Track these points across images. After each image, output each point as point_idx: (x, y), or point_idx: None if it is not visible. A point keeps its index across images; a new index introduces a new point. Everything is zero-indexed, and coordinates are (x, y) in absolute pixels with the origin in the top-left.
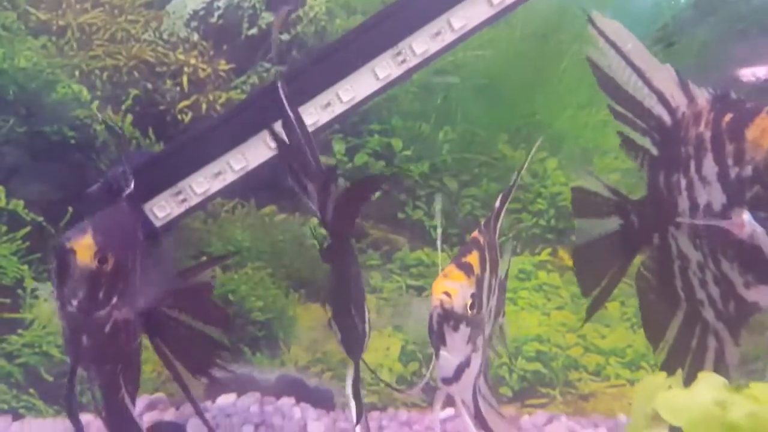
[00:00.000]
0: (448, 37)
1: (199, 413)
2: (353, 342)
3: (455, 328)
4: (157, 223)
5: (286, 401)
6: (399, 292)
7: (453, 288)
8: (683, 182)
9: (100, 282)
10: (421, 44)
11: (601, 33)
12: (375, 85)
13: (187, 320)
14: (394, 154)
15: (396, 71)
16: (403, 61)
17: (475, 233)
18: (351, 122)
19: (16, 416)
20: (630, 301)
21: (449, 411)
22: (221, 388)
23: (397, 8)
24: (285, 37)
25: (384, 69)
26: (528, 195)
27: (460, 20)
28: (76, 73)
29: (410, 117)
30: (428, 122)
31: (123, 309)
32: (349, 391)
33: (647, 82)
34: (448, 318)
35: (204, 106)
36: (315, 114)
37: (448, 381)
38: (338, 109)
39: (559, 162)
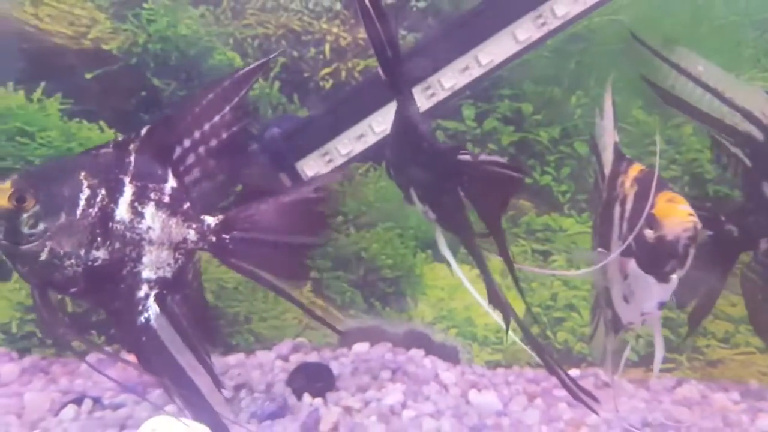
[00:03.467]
0: (590, 0)
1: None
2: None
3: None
4: None
5: (416, 352)
6: (524, 256)
7: (691, 210)
8: None
9: (19, 219)
10: (563, 6)
11: (661, 56)
12: (514, 48)
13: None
14: (524, 118)
15: (536, 34)
16: (543, 24)
17: None
18: (482, 87)
19: None
20: None
21: (574, 371)
22: (355, 337)
23: None
24: (421, 4)
25: (524, 32)
26: (662, 161)
27: None
28: (230, 40)
29: (542, 82)
30: (561, 87)
31: (63, 240)
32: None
33: (727, 101)
34: (694, 238)
35: (344, 74)
36: (452, 78)
37: (682, 305)
38: (476, 72)
39: (695, 128)
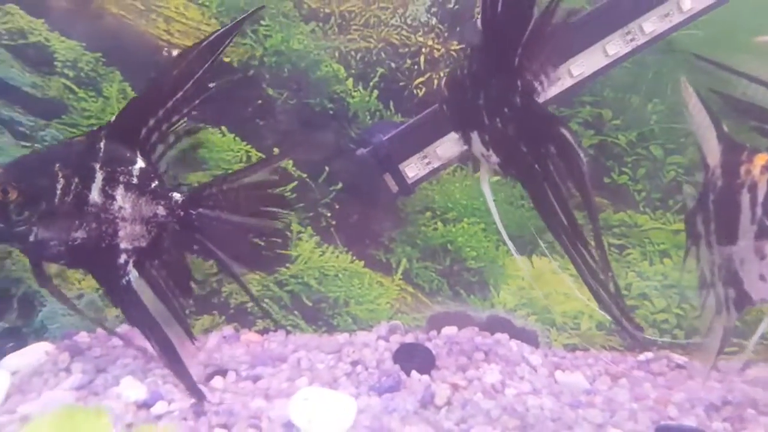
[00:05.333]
0: (676, 18)
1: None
2: None
3: None
4: (409, 182)
5: (501, 336)
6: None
7: None
8: None
9: (7, 208)
10: (651, 24)
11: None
12: (603, 62)
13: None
14: (604, 123)
15: (624, 49)
16: (632, 40)
17: None
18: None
19: (287, 332)
20: None
21: (647, 354)
22: (442, 321)
23: None
24: None
25: (614, 46)
26: None
27: (689, 2)
28: (336, 53)
29: (621, 89)
30: (638, 94)
31: (46, 224)
32: None
33: None
34: None
35: (435, 82)
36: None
37: None
38: (567, 83)
39: None
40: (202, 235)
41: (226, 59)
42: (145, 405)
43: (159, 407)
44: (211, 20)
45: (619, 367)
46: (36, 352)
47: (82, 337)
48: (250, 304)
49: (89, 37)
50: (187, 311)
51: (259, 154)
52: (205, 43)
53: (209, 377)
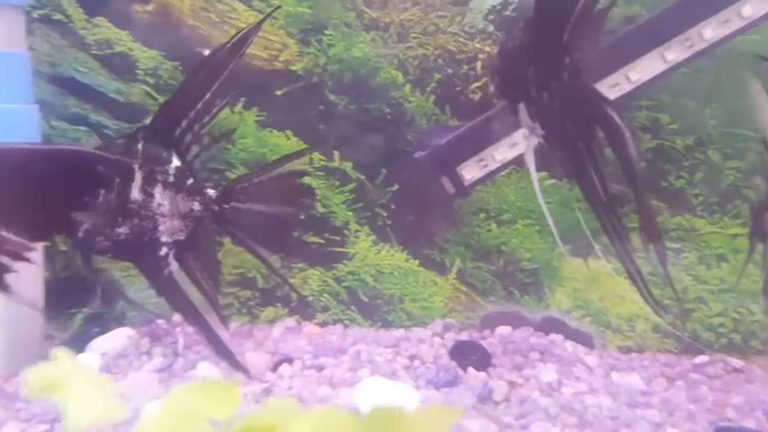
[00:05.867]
0: (736, 24)
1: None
2: None
3: None
4: (466, 184)
5: (555, 337)
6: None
7: None
8: None
9: None
10: (710, 30)
11: None
12: (661, 67)
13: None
14: (661, 127)
15: (683, 55)
16: (691, 46)
17: None
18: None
19: (345, 326)
20: None
21: (702, 357)
22: (496, 321)
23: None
24: None
25: (672, 52)
26: None
27: (749, 9)
28: (395, 61)
29: (679, 94)
30: (696, 99)
31: (92, 221)
32: None
33: None
34: None
35: (491, 87)
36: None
37: None
38: (626, 88)
39: None
40: (234, 228)
41: (293, 68)
42: None
43: None
44: (278, 30)
45: (674, 370)
46: (119, 337)
47: (160, 324)
48: (311, 298)
49: (168, 47)
50: (252, 302)
51: (320, 156)
52: (228, 45)
53: (277, 365)
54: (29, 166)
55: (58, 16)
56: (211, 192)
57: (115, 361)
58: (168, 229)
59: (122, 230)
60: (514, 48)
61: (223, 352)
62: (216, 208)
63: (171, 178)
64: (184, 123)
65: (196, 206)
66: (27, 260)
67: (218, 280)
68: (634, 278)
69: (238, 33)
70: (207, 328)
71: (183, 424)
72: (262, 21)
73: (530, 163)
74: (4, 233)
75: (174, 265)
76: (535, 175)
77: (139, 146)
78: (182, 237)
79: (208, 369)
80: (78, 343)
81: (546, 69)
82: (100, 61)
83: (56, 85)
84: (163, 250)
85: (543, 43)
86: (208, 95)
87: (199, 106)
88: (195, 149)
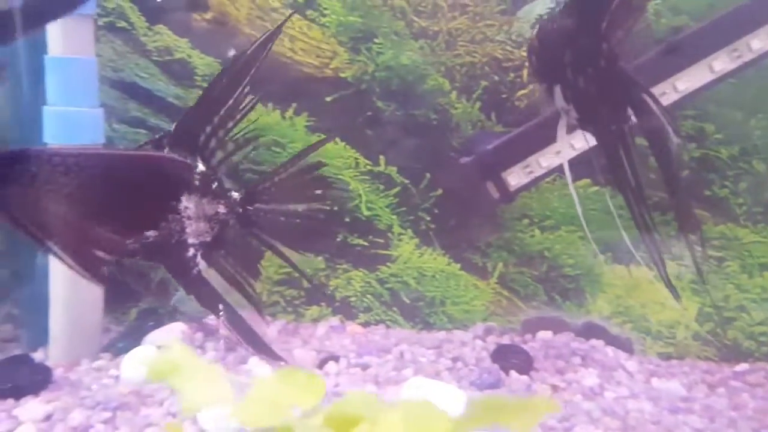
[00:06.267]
0: None
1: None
2: None
3: None
4: (511, 189)
5: (596, 342)
6: (701, 262)
7: None
8: None
9: None
10: (759, 41)
11: None
12: (708, 77)
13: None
14: (706, 137)
15: (730, 66)
16: (739, 57)
17: None
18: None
19: (387, 327)
20: None
21: (743, 365)
22: (537, 326)
23: (740, 10)
24: None
25: (720, 63)
26: None
27: None
28: (442, 68)
29: (725, 105)
30: (742, 110)
31: None
32: None
33: None
34: None
35: (537, 94)
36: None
37: None
38: (673, 97)
39: None
40: (259, 229)
41: (342, 75)
42: None
43: None
44: (330, 39)
45: (714, 377)
46: (174, 331)
47: (211, 320)
48: (353, 298)
49: (225, 55)
50: (297, 301)
51: (366, 161)
52: (249, 51)
53: (323, 362)
54: (122, 170)
55: (121, 24)
56: (235, 195)
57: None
58: (195, 231)
59: (150, 233)
60: (553, 31)
61: (257, 345)
62: (240, 210)
63: (196, 182)
64: (208, 129)
65: (221, 209)
66: (122, 255)
67: (256, 270)
68: (657, 264)
69: (256, 41)
70: (241, 325)
71: (271, 410)
72: (279, 27)
73: (563, 145)
74: (101, 231)
75: (202, 264)
76: (567, 155)
77: (165, 152)
78: (208, 238)
79: (259, 363)
80: (134, 336)
81: (583, 54)
82: (160, 67)
83: (118, 90)
84: (191, 251)
85: (581, 28)
86: (231, 101)
87: (222, 112)
88: (219, 154)
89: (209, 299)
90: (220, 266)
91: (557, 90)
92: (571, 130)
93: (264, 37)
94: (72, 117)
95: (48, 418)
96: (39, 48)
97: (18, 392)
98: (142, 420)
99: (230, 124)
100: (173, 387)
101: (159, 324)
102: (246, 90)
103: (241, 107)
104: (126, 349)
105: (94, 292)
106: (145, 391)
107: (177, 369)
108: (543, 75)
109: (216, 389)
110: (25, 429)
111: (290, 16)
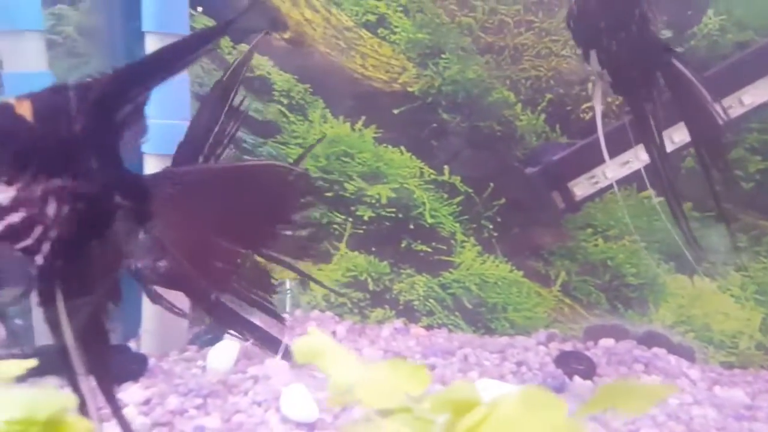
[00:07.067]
0: None
1: None
2: None
3: None
4: (577, 199)
5: (658, 350)
6: (764, 273)
7: None
8: None
9: None
10: None
11: None
12: None
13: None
14: None
15: None
16: None
17: None
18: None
19: (449, 330)
20: None
21: None
22: (599, 333)
23: None
24: (679, 49)
25: None
26: None
27: None
28: (507, 82)
29: None
30: None
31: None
32: None
33: None
34: None
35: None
36: None
37: None
38: (738, 111)
39: None
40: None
41: (410, 89)
42: None
43: None
44: (399, 55)
45: None
46: None
47: (286, 314)
48: (416, 302)
49: (301, 71)
50: (362, 303)
51: (431, 170)
52: (224, 77)
53: None
54: (239, 182)
55: None
56: None
57: (252, 347)
58: None
59: (162, 264)
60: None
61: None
62: None
63: None
64: (200, 159)
65: None
66: (239, 266)
67: (270, 286)
68: (678, 218)
69: (229, 67)
70: (265, 338)
71: (387, 393)
72: (251, 49)
73: (597, 104)
74: (219, 241)
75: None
76: (600, 117)
77: None
78: None
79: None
80: (214, 331)
81: (617, 20)
82: (242, 83)
83: None
84: None
85: None
86: (216, 127)
87: (211, 139)
88: None
89: (228, 320)
90: (235, 291)
91: (593, 55)
92: (604, 97)
93: (236, 62)
94: (167, 128)
95: (147, 402)
96: None
97: (119, 379)
98: (231, 407)
99: (219, 151)
100: (321, 369)
101: None
102: (229, 115)
103: (226, 132)
104: (210, 342)
105: None
106: (230, 381)
107: (321, 353)
108: (580, 40)
109: (354, 371)
110: (129, 411)
111: (262, 35)
